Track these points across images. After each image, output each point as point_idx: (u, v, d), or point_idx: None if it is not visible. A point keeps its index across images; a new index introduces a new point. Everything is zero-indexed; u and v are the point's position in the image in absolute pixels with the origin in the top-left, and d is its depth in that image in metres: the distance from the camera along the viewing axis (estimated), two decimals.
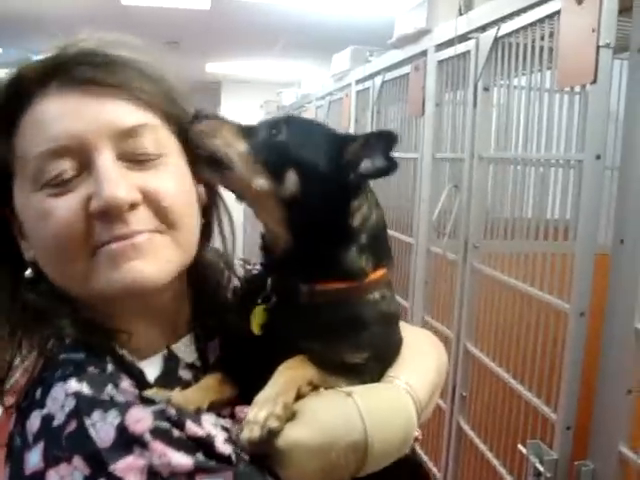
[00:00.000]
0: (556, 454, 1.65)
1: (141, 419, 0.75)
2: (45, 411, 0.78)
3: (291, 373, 0.88)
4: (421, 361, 1.03)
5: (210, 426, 0.81)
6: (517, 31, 1.87)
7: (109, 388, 0.79)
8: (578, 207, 1.63)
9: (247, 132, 0.96)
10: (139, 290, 0.88)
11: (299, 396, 0.87)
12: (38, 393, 0.81)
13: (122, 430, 0.73)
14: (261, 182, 0.92)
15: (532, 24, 1.78)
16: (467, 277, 2.22)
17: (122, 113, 0.89)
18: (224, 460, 0.78)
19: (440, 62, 2.42)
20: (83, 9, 5.62)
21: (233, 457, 0.79)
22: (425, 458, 2.65)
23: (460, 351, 2.28)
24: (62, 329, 0.88)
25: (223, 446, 0.79)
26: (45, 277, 0.92)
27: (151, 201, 0.88)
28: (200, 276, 1.05)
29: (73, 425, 0.74)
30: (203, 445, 0.77)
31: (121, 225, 0.85)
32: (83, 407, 0.76)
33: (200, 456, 0.76)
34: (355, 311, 0.96)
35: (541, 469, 1.66)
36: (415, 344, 1.06)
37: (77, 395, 0.77)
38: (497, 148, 2.11)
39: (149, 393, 0.84)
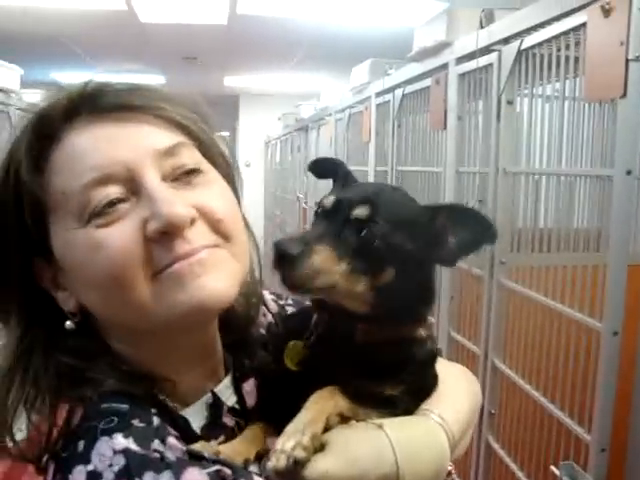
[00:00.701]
0: (591, 476, 1.61)
1: None
2: (90, 467, 0.73)
3: (321, 404, 0.86)
4: (455, 396, 1.00)
5: None
6: (541, 43, 1.84)
7: (156, 444, 0.74)
8: (605, 218, 1.60)
9: (336, 241, 0.88)
10: (211, 308, 0.85)
11: (328, 427, 0.85)
12: (81, 445, 0.76)
13: None
14: (360, 286, 0.89)
15: (557, 36, 1.74)
16: (494, 293, 2.18)
17: (157, 134, 0.87)
18: None
19: (461, 75, 2.39)
20: (102, 28, 5.66)
21: None
22: (454, 476, 2.60)
23: (488, 368, 2.24)
24: (102, 382, 0.83)
25: None
26: (83, 328, 0.88)
27: (205, 216, 0.86)
28: (231, 311, 1.00)
29: None
30: None
31: (182, 243, 0.82)
32: (134, 467, 0.71)
33: None
34: (407, 349, 0.96)
35: None
36: (450, 379, 1.03)
37: (126, 453, 0.73)
38: (521, 161, 2.08)
39: (197, 447, 0.81)
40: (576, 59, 1.72)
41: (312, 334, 0.95)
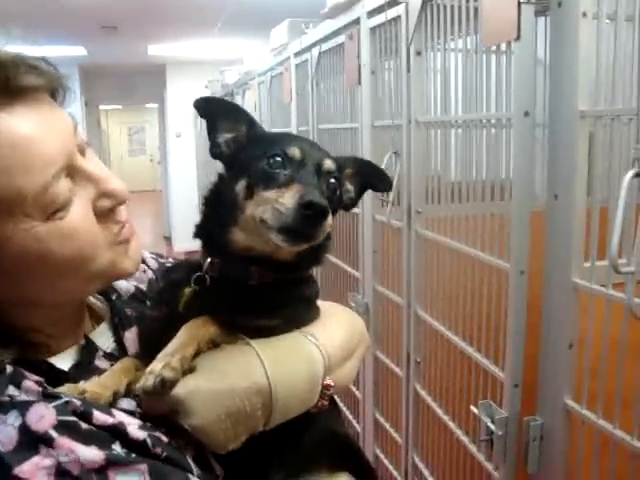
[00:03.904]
0: (506, 412, 1.67)
1: (43, 416, 0.72)
2: None
3: (192, 330, 0.90)
4: (330, 323, 1.06)
5: (122, 414, 0.80)
6: None
7: (11, 389, 0.75)
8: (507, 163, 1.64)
9: (322, 192, 0.94)
10: (137, 269, 1.00)
11: (200, 352, 0.89)
12: None
13: (24, 430, 0.70)
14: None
15: None
16: (412, 243, 2.21)
17: (62, 112, 0.90)
18: (139, 445, 0.76)
19: (373, 29, 2.39)
20: (14, 2, 5.44)
21: (149, 441, 0.78)
22: (386, 425, 2.67)
23: (411, 317, 2.29)
24: None
25: (137, 432, 0.78)
26: None
27: None
28: None
29: None
30: (115, 433, 0.75)
31: (122, 211, 0.93)
32: None
33: (116, 447, 0.74)
34: (297, 288, 1.02)
35: (492, 428, 1.67)
36: (326, 312, 1.08)
37: None
38: (432, 112, 2.10)
39: (61, 389, 0.81)
40: (476, 10, 1.74)
41: (204, 279, 0.98)
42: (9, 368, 0.79)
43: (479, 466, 1.85)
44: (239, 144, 1.02)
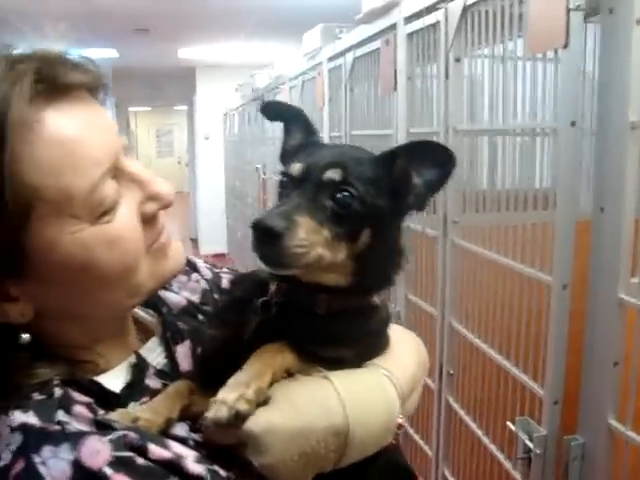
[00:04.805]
0: (545, 430, 1.61)
1: (98, 451, 0.67)
2: None
3: (268, 357, 0.84)
4: (401, 353, 1.00)
5: (178, 446, 0.76)
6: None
7: (60, 414, 0.72)
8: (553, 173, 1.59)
9: (313, 208, 0.84)
10: (182, 268, 0.98)
11: (274, 382, 0.83)
12: None
13: (78, 466, 0.66)
14: (341, 255, 0.87)
15: None
16: (448, 253, 2.17)
17: (105, 112, 0.87)
18: None
19: (410, 35, 2.35)
20: (49, 4, 5.49)
21: (208, 477, 0.73)
22: (416, 438, 2.63)
23: (445, 329, 2.24)
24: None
25: (195, 466, 0.73)
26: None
27: None
28: None
29: (21, 465, 0.67)
30: (172, 468, 0.71)
31: (161, 216, 0.90)
32: (31, 443, 0.68)
33: None
34: (364, 318, 0.95)
35: (531, 446, 1.63)
36: (394, 338, 1.02)
37: (24, 429, 0.70)
38: (470, 120, 2.06)
39: (113, 416, 0.77)
40: (520, 16, 1.69)
41: (269, 304, 0.92)
42: (58, 391, 0.76)
43: None
44: (293, 154, 0.96)
